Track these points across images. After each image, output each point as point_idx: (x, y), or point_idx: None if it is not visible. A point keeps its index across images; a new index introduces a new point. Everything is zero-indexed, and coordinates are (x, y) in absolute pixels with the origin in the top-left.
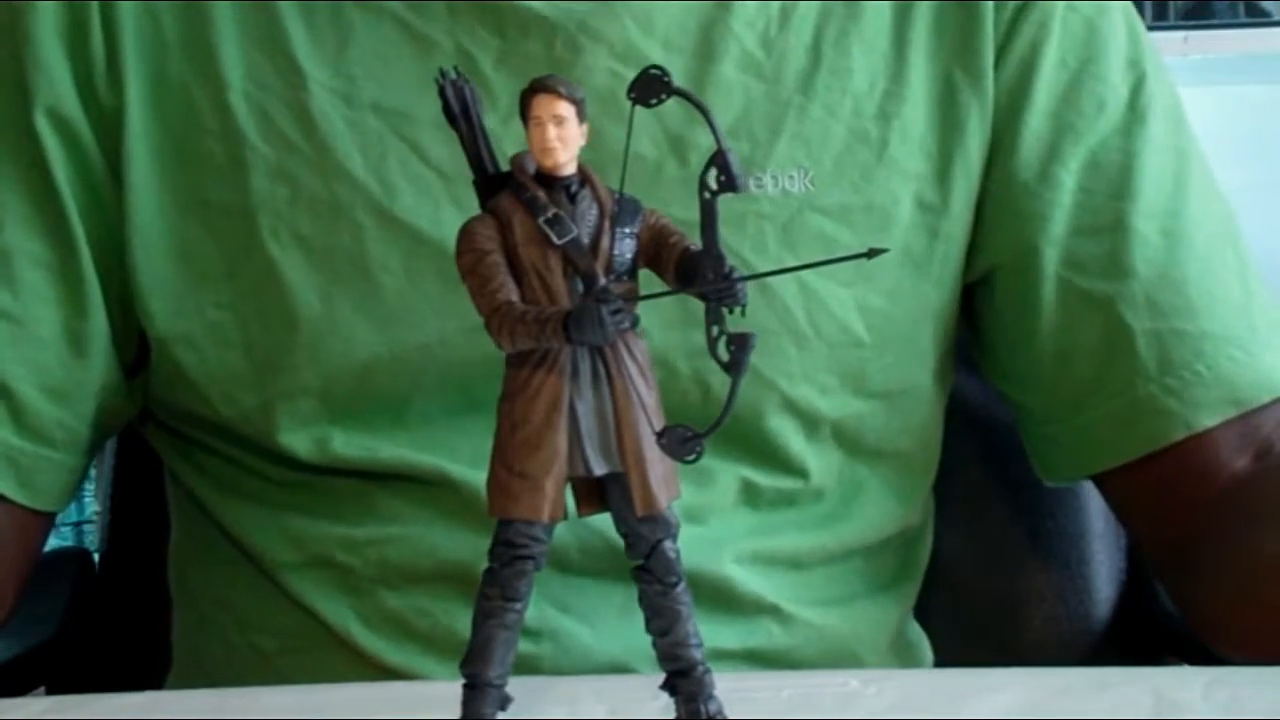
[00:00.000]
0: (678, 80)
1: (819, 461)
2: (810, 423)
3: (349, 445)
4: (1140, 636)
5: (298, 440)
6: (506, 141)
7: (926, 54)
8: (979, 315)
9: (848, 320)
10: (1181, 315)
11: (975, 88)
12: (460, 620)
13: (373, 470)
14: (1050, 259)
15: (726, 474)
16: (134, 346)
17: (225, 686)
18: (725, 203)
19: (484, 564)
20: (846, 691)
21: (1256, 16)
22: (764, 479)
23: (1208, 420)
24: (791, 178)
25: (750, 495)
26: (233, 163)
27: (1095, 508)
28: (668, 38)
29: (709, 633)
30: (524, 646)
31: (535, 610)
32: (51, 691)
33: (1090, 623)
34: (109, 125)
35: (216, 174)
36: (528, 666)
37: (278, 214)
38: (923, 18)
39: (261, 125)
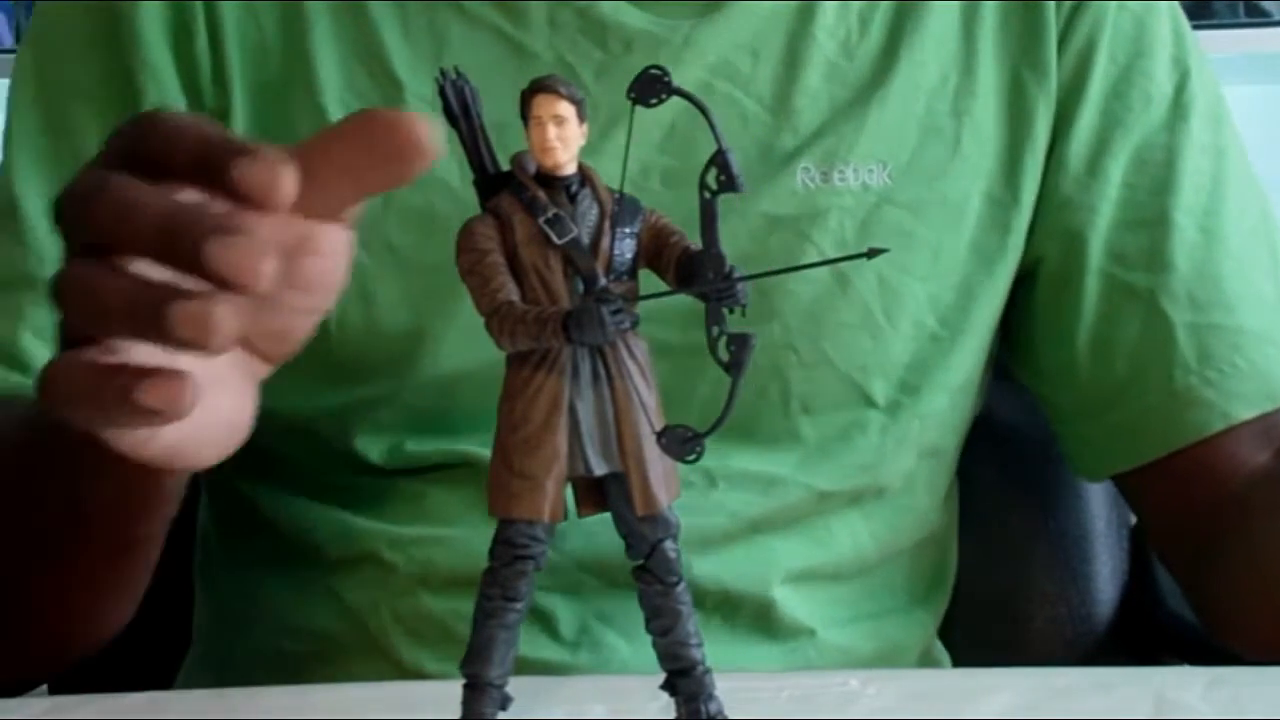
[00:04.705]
0: (766, 88)
1: (891, 459)
2: (891, 418)
3: (421, 445)
4: (1141, 637)
5: (372, 446)
6: (605, 155)
7: (994, 53)
8: (1017, 309)
9: (921, 315)
10: (1219, 310)
11: (1041, 85)
12: None
13: (440, 464)
14: (1096, 251)
15: (796, 486)
16: None
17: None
18: (810, 197)
19: None
20: (846, 691)
21: (1256, 16)
22: (833, 483)
23: (1245, 413)
24: (871, 171)
25: (820, 501)
26: None
27: (1097, 508)
28: (755, 48)
29: (750, 657)
30: (560, 655)
31: (576, 620)
32: (52, 691)
33: (1092, 623)
34: None
35: None
36: (563, 675)
37: (369, 223)
38: (989, 17)
39: None
